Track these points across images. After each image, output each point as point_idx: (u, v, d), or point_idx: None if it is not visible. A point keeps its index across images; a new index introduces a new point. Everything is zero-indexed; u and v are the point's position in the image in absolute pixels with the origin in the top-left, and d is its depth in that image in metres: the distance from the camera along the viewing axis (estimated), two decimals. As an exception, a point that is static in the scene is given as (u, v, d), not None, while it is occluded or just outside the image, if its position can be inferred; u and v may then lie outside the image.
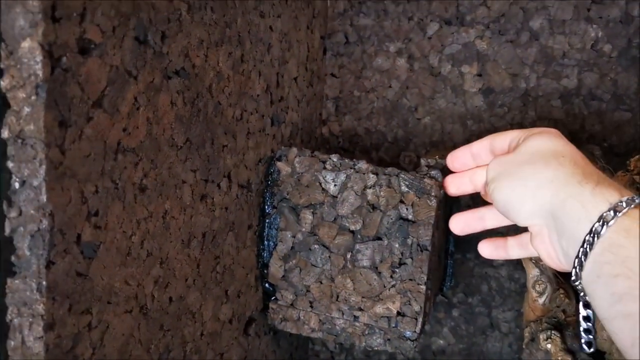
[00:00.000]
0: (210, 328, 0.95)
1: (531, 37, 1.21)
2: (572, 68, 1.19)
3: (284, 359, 1.28)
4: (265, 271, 1.11)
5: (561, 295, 1.03)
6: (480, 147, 0.77)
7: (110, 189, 0.68)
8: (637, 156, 0.98)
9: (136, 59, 0.70)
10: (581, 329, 0.64)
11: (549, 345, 0.98)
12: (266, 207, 1.10)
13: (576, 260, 0.53)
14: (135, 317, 0.75)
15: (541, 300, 1.03)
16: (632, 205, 0.51)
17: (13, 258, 0.60)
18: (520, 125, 1.23)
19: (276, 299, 1.12)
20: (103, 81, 0.65)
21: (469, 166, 0.81)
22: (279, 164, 1.10)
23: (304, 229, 1.08)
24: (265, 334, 1.17)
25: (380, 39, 1.30)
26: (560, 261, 0.60)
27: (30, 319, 0.61)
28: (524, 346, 1.04)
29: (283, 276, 1.10)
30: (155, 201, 0.77)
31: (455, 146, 1.24)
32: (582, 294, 0.58)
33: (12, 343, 0.62)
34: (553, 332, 0.99)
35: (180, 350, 0.86)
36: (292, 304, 1.11)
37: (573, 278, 0.55)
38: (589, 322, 0.64)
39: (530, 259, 1.04)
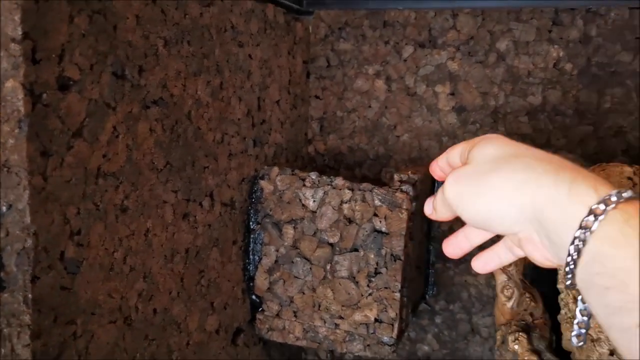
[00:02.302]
0: (197, 338, 1.02)
1: (498, 57, 1.28)
2: (537, 86, 1.26)
3: (274, 368, 1.35)
4: (252, 284, 1.18)
5: (527, 299, 1.09)
6: (443, 163, 0.72)
7: (92, 210, 0.75)
8: (593, 167, 1.04)
9: (114, 92, 0.78)
10: (575, 321, 0.61)
11: (516, 346, 1.04)
12: (251, 223, 1.17)
13: (567, 268, 0.51)
14: (119, 328, 0.82)
15: (509, 304, 1.09)
16: (612, 206, 0.48)
17: (2, 274, 0.68)
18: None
19: (263, 310, 1.19)
20: (82, 113, 0.73)
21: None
22: (262, 182, 1.17)
23: (286, 243, 1.15)
24: (254, 345, 1.24)
25: (359, 62, 1.38)
26: (558, 264, 0.56)
27: (19, 329, 0.68)
28: (495, 348, 1.10)
29: (268, 288, 1.17)
30: (137, 220, 0.84)
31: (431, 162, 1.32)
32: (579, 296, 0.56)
33: (3, 351, 0.69)
34: (520, 333, 1.05)
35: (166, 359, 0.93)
36: (277, 314, 1.17)
37: (569, 283, 0.52)
38: (586, 316, 0.60)
39: (499, 266, 1.10)
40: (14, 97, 0.64)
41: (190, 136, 0.96)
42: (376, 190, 1.11)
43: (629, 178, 1.01)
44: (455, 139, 1.32)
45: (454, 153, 0.68)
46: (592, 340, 1.02)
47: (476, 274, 1.34)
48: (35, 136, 0.66)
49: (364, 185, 1.12)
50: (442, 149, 1.32)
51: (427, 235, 1.35)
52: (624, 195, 0.48)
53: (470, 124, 1.31)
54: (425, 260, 1.36)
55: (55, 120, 0.69)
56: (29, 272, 0.67)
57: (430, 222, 1.34)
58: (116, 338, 0.82)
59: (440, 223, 1.36)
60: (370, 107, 1.38)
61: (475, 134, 1.30)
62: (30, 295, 0.67)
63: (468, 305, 1.35)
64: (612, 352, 0.99)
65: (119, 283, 0.82)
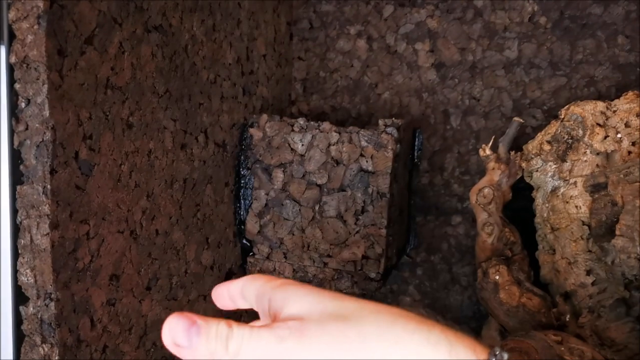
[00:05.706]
0: (194, 269, 1.05)
1: (475, 14, 1.34)
2: (512, 40, 1.32)
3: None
4: (243, 227, 1.21)
5: (507, 235, 1.14)
6: (235, 291, 0.53)
7: (101, 118, 0.79)
8: (567, 105, 1.11)
9: (120, 9, 0.81)
10: None
11: (497, 277, 1.09)
12: (241, 169, 1.21)
13: None
14: (126, 239, 0.85)
15: (490, 240, 1.15)
16: None
17: (21, 167, 0.71)
18: (470, 96, 1.36)
19: (253, 253, 1.22)
20: (93, 22, 0.76)
21: (229, 307, 0.54)
22: (251, 130, 1.21)
23: (276, 187, 1.19)
24: (244, 290, 1.27)
25: (341, 23, 1.43)
26: None
27: (38, 220, 0.71)
28: (477, 283, 1.14)
29: (259, 231, 1.21)
30: (141, 139, 0.88)
31: (412, 118, 1.37)
32: None
33: (22, 242, 0.72)
34: (501, 265, 1.10)
35: (167, 281, 0.96)
36: (267, 257, 1.21)
37: None
38: None
39: (479, 203, 1.15)
40: (34, -6, 0.68)
41: (187, 70, 1.00)
42: (362, 132, 1.15)
43: (602, 112, 1.08)
44: (434, 95, 1.38)
45: (250, 290, 0.52)
46: (569, 263, 1.07)
47: (456, 225, 1.40)
48: (52, 33, 0.69)
49: (351, 128, 1.17)
50: (422, 104, 1.38)
51: (409, 187, 1.40)
52: (503, 356, 0.45)
53: (449, 80, 1.37)
54: (407, 213, 1.42)
55: (70, 23, 0.72)
56: (48, 164, 0.70)
57: (411, 175, 1.39)
58: (124, 248, 0.85)
59: (419, 177, 1.41)
60: (352, 66, 1.44)
61: (454, 89, 1.37)
62: (49, 187, 0.70)
63: (448, 256, 1.41)
64: (589, 272, 1.05)
65: (126, 195, 0.85)
